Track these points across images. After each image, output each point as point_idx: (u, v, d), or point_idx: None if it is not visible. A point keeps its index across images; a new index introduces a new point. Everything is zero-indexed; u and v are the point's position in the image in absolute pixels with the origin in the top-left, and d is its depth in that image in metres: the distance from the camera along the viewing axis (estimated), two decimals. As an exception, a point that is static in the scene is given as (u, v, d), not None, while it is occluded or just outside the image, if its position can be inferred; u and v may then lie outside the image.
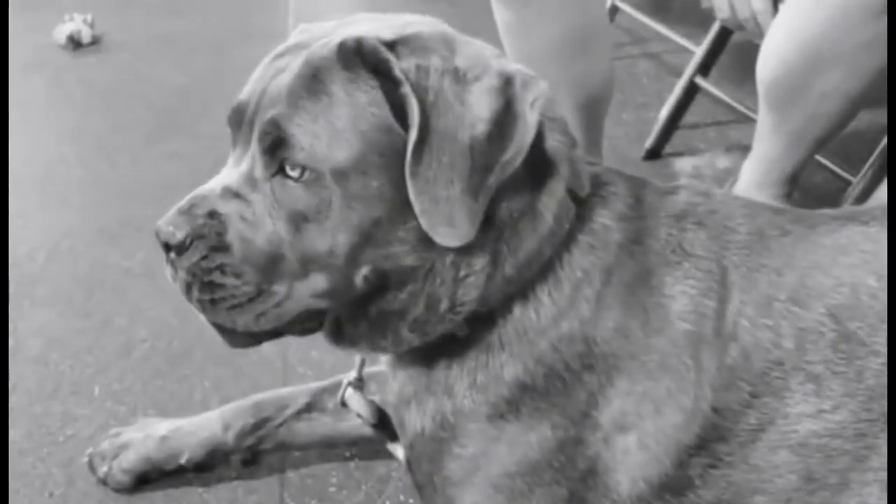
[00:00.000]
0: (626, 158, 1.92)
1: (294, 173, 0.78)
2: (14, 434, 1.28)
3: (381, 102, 0.78)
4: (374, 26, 0.82)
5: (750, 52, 1.45)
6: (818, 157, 1.59)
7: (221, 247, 0.80)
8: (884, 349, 0.84)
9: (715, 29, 1.88)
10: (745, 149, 1.62)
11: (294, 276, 0.81)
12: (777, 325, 0.85)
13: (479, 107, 0.77)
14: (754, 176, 1.50)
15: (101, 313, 1.54)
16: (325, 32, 0.84)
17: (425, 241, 0.79)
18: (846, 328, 0.85)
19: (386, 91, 0.78)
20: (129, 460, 1.19)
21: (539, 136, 0.83)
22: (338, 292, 0.83)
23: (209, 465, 1.21)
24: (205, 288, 0.81)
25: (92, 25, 2.50)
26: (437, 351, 0.88)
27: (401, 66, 0.76)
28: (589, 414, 0.85)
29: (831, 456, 0.85)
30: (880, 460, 0.84)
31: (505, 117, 0.77)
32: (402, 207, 0.78)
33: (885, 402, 0.83)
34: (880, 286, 0.85)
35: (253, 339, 0.87)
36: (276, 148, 0.79)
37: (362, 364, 1.05)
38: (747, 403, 0.85)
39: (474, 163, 0.76)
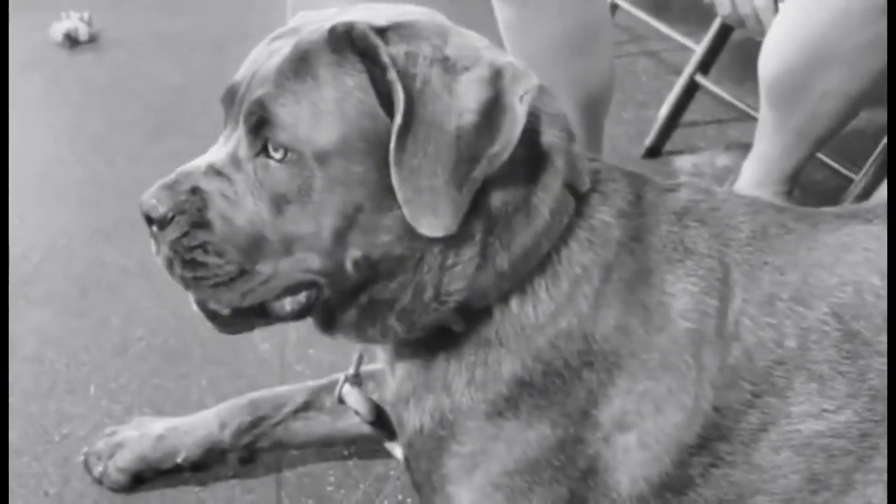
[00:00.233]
0: (626, 157, 1.91)
1: (277, 154, 0.78)
2: (9, 433, 1.27)
3: (368, 88, 0.77)
4: (370, 14, 0.82)
5: (750, 50, 1.44)
6: (819, 155, 1.59)
7: (202, 223, 0.80)
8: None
9: (715, 26, 1.87)
10: (745, 147, 1.62)
11: (279, 255, 0.81)
12: (780, 324, 0.85)
13: (468, 97, 0.76)
14: (755, 174, 1.50)
15: (98, 312, 1.53)
16: (323, 19, 0.84)
17: (412, 231, 0.78)
18: (850, 327, 0.84)
19: (374, 77, 0.77)
20: (125, 459, 1.18)
21: (534, 130, 0.83)
22: (328, 275, 0.82)
23: (206, 465, 1.20)
24: (186, 265, 0.81)
25: (89, 23, 2.48)
26: (435, 347, 0.88)
27: (389, 52, 0.76)
28: (589, 412, 0.85)
29: (834, 456, 0.84)
30: (884, 461, 0.84)
31: (493, 109, 0.76)
32: (386, 195, 0.77)
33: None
34: (884, 285, 0.85)
35: (242, 324, 0.87)
36: (260, 127, 0.79)
37: (360, 360, 1.04)
38: (749, 403, 0.84)
39: (460, 154, 0.75)
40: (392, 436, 1.01)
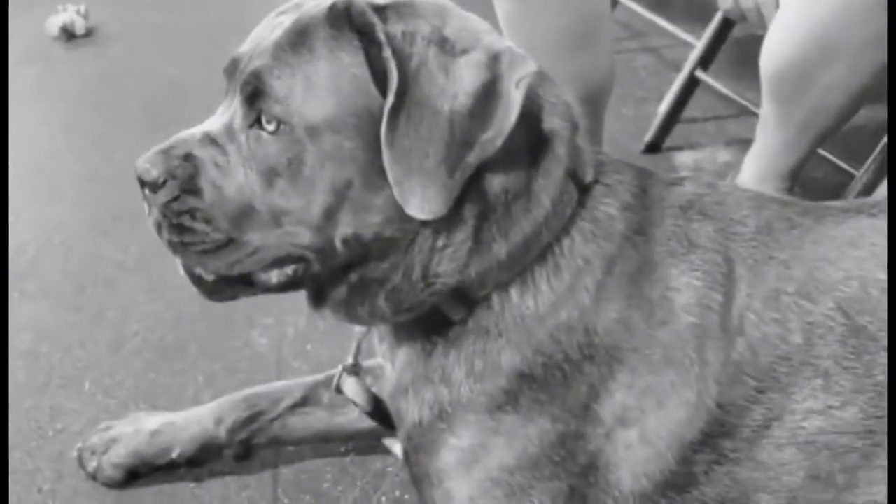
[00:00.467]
0: (626, 152, 1.90)
1: (270, 126, 0.79)
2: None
3: (364, 65, 0.77)
4: None
5: (750, 47, 1.43)
6: (820, 151, 1.58)
7: (193, 190, 0.81)
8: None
9: (716, 22, 1.86)
10: (745, 143, 1.61)
11: (268, 227, 0.81)
12: (785, 319, 0.84)
13: (463, 80, 0.75)
14: (756, 170, 1.49)
15: (93, 307, 1.52)
16: None
17: (403, 212, 0.77)
18: (855, 322, 0.83)
19: (370, 55, 0.77)
20: (119, 455, 1.17)
21: (535, 117, 0.82)
22: (318, 251, 0.82)
23: (201, 460, 1.19)
24: (174, 229, 0.82)
25: (85, 16, 2.47)
26: (434, 337, 0.87)
27: (386, 30, 0.76)
28: (590, 407, 0.84)
29: (839, 453, 0.84)
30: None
31: (488, 94, 0.76)
32: (377, 173, 0.77)
33: (892, 399, 0.82)
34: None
35: (227, 292, 0.87)
36: (254, 99, 0.79)
37: (358, 349, 1.03)
38: (753, 399, 0.83)
39: (453, 137, 0.75)
40: (390, 428, 1.00)
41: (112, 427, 1.21)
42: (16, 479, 1.19)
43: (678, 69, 1.99)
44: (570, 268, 0.84)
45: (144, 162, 0.82)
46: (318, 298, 0.89)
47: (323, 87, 0.77)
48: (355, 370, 1.04)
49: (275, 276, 0.85)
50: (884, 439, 0.83)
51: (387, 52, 0.75)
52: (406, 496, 1.18)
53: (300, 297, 0.92)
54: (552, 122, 0.84)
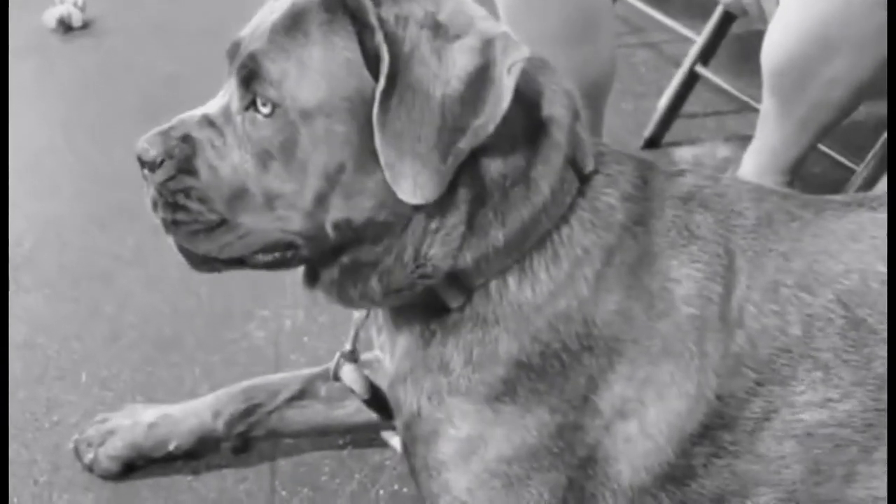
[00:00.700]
0: (626, 148, 1.84)
1: (265, 109, 0.79)
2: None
3: (357, 49, 0.77)
4: None
5: (750, 42, 1.43)
6: (820, 146, 1.58)
7: (189, 170, 0.82)
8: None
9: (716, 17, 1.86)
10: (745, 138, 1.61)
11: (260, 210, 0.82)
12: (784, 312, 0.84)
13: (456, 65, 0.75)
14: (756, 164, 1.48)
15: (90, 299, 1.51)
16: None
17: (396, 197, 0.77)
18: (855, 315, 0.83)
19: (363, 39, 0.77)
20: (116, 447, 1.16)
21: (535, 104, 0.82)
22: (308, 235, 0.82)
23: (198, 453, 1.19)
24: (168, 207, 0.83)
25: (83, 9, 2.46)
26: (433, 325, 0.87)
27: (379, 13, 0.76)
28: (589, 398, 0.84)
29: (839, 446, 0.83)
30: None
31: (480, 80, 0.76)
32: (370, 158, 0.77)
33: (893, 392, 0.81)
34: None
35: (214, 265, 0.88)
36: (250, 81, 0.80)
37: (356, 336, 1.03)
38: (753, 391, 0.83)
39: (444, 122, 0.75)
40: (388, 417, 0.99)
41: (109, 419, 1.20)
42: (12, 470, 1.19)
43: (678, 64, 1.99)
44: (569, 257, 0.83)
45: (144, 142, 0.83)
46: (312, 278, 0.89)
47: (316, 71, 0.77)
48: (353, 357, 1.03)
49: (262, 256, 0.86)
50: (883, 432, 0.83)
51: (379, 36, 0.75)
52: (404, 489, 1.17)
53: (298, 290, 0.92)
54: (552, 109, 0.83)
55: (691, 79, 1.93)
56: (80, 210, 1.74)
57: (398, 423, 0.93)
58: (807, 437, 0.83)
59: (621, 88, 2.11)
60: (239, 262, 0.87)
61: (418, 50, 0.75)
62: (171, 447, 1.17)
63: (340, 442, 1.23)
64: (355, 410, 1.17)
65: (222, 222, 0.83)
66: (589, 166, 0.86)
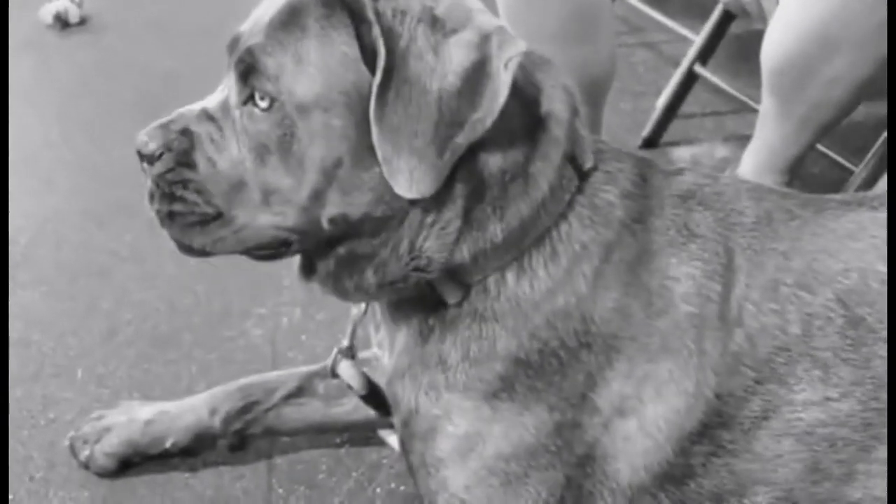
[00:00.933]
0: (623, 147, 1.88)
1: (262, 103, 0.79)
2: (-3, 417, 1.25)
3: (354, 43, 0.77)
4: None
5: (749, 42, 1.43)
6: (819, 147, 1.58)
7: (187, 163, 0.82)
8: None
9: (715, 17, 1.86)
10: (743, 139, 1.61)
11: (256, 205, 0.82)
12: (784, 310, 0.83)
13: (452, 60, 0.75)
14: (755, 164, 1.48)
15: (86, 296, 1.50)
16: None
17: (393, 191, 0.77)
18: (855, 314, 0.83)
19: (360, 33, 0.77)
20: (112, 444, 1.16)
21: (534, 100, 0.82)
22: (303, 231, 0.83)
23: (195, 451, 1.18)
24: (165, 198, 0.83)
25: (80, 5, 2.45)
26: (432, 321, 0.87)
27: (376, 7, 0.76)
28: (587, 396, 0.83)
29: (837, 445, 0.83)
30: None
31: (477, 74, 0.75)
32: (367, 152, 0.77)
33: (893, 391, 0.81)
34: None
35: (207, 252, 0.87)
36: (247, 75, 0.80)
37: (354, 332, 1.03)
38: (751, 390, 0.83)
39: (441, 116, 0.74)
40: (385, 414, 0.99)
41: (105, 416, 1.20)
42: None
43: (676, 64, 1.99)
44: (567, 253, 0.83)
45: (143, 135, 0.83)
46: (308, 270, 0.89)
47: (313, 65, 0.77)
48: (350, 353, 1.03)
49: (255, 251, 0.86)
50: (882, 432, 0.82)
51: (376, 31, 0.75)
52: (402, 487, 1.17)
53: (295, 288, 0.91)
54: (551, 105, 0.83)
55: (690, 78, 1.93)
56: (76, 206, 1.73)
57: (396, 419, 0.93)
58: (805, 436, 0.83)
59: (619, 88, 2.10)
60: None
61: (415, 44, 0.75)
62: (168, 444, 1.16)
63: (338, 440, 1.23)
64: (353, 408, 1.17)
65: (218, 215, 0.83)
66: (588, 163, 0.85)
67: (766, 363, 0.83)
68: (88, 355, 1.38)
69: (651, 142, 1.95)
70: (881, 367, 0.82)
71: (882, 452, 0.83)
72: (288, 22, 0.78)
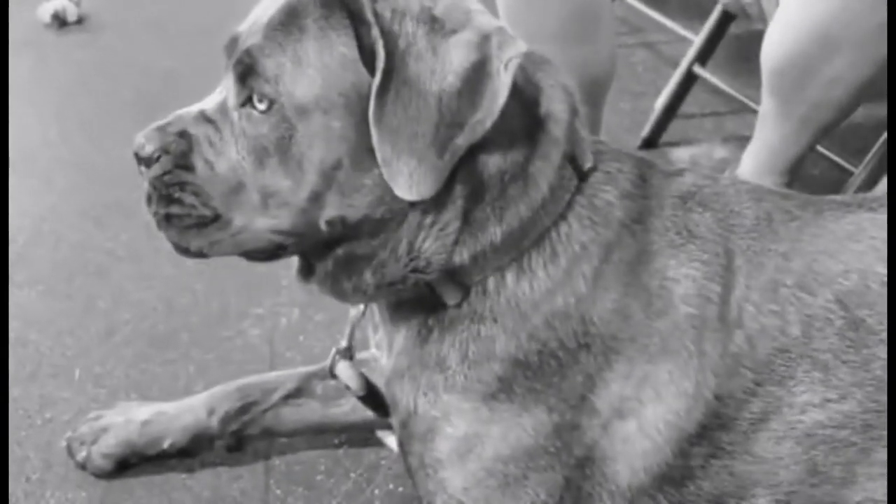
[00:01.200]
0: (623, 148, 1.88)
1: (261, 105, 0.79)
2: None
3: (353, 44, 0.77)
4: None
5: (748, 43, 1.43)
6: (818, 148, 1.57)
7: (185, 165, 0.82)
8: (894, 337, 0.81)
9: (714, 17, 1.86)
10: (742, 139, 1.61)
11: (254, 208, 0.82)
12: (783, 312, 0.83)
13: (452, 60, 0.75)
14: (755, 164, 1.48)
15: (84, 295, 1.50)
16: None
17: (392, 193, 0.77)
18: (855, 315, 0.83)
19: (359, 34, 0.76)
20: (109, 445, 1.16)
21: (533, 100, 0.82)
22: (299, 233, 0.82)
23: (192, 451, 1.18)
24: (162, 200, 0.82)
25: (77, 3, 2.45)
26: (431, 322, 0.86)
27: (375, 8, 0.75)
28: (586, 397, 0.83)
29: (837, 447, 0.83)
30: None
31: (477, 75, 0.75)
32: (366, 154, 0.77)
33: (893, 393, 0.81)
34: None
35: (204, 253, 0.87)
36: (246, 77, 0.79)
37: (352, 333, 1.02)
38: (751, 391, 0.83)
39: (441, 118, 0.74)
40: (384, 414, 0.99)
41: (102, 416, 1.20)
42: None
43: (675, 65, 1.98)
44: (566, 254, 0.83)
45: (140, 137, 0.83)
46: (306, 271, 0.89)
47: (312, 66, 0.77)
48: (349, 354, 1.03)
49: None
50: (882, 434, 0.82)
51: (375, 32, 0.74)
52: (400, 488, 1.17)
53: (293, 288, 0.91)
54: (551, 105, 0.83)
55: (689, 79, 1.92)
56: (74, 206, 1.73)
57: (394, 420, 0.93)
58: (805, 438, 0.83)
59: (619, 88, 2.09)
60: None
61: (414, 45, 0.75)
62: (165, 445, 1.16)
63: (336, 441, 1.23)
64: (351, 409, 1.16)
65: (216, 218, 0.82)
66: (588, 163, 0.85)
67: (765, 365, 0.82)
68: (86, 355, 1.37)
69: (650, 142, 1.95)
70: (881, 368, 0.82)
71: (882, 454, 0.82)
72: (286, 23, 0.78)
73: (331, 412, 1.18)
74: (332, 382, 1.11)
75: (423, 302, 0.86)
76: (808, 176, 1.71)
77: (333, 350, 1.04)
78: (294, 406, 1.17)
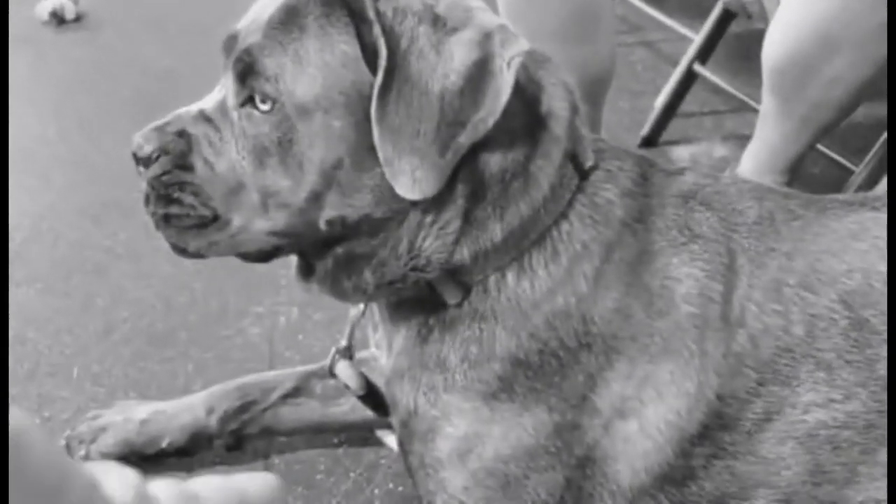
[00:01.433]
0: (623, 146, 1.88)
1: (261, 105, 0.78)
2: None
3: (354, 43, 0.76)
4: None
5: (748, 41, 1.42)
6: (819, 147, 1.57)
7: (184, 165, 0.81)
8: (897, 337, 0.81)
9: (715, 15, 1.85)
10: (742, 138, 1.60)
11: (254, 208, 0.81)
12: (787, 311, 0.83)
13: (454, 59, 0.74)
14: (755, 164, 1.48)
15: (82, 294, 1.49)
16: None
17: (393, 192, 0.76)
18: (858, 315, 0.82)
19: (360, 32, 0.76)
20: (108, 444, 1.15)
21: (534, 98, 0.81)
22: (298, 234, 0.82)
23: (191, 450, 1.17)
24: (161, 200, 0.82)
25: (76, 1, 2.44)
26: (431, 321, 0.86)
27: (377, 7, 0.75)
28: (587, 397, 0.83)
29: (840, 448, 0.82)
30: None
31: (479, 73, 0.75)
32: (368, 153, 0.76)
33: (894, 393, 0.81)
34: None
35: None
36: (246, 76, 0.78)
37: (352, 332, 1.02)
38: (754, 391, 0.82)
39: (443, 116, 0.74)
40: (383, 414, 0.99)
41: (101, 415, 1.19)
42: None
43: (675, 63, 1.98)
44: (567, 253, 0.82)
45: (139, 137, 0.82)
46: (306, 270, 0.89)
47: (313, 65, 0.76)
48: (348, 353, 1.02)
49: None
50: (884, 434, 0.82)
51: (376, 30, 0.74)
52: (399, 488, 1.16)
53: (292, 287, 0.90)
54: (552, 103, 0.83)
55: (689, 78, 1.92)
56: (72, 204, 1.72)
57: (394, 420, 0.92)
58: (808, 439, 0.83)
59: (618, 86, 2.09)
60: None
61: (416, 44, 0.74)
62: (164, 444, 1.15)
63: (335, 440, 1.22)
64: (350, 408, 1.16)
65: (215, 218, 0.82)
66: (589, 161, 0.85)
67: (768, 364, 0.82)
68: (84, 353, 1.36)
69: (650, 141, 1.95)
70: (884, 368, 0.81)
71: (884, 455, 0.82)
72: (287, 21, 0.77)
73: (330, 411, 1.17)
74: (332, 382, 1.10)
75: (423, 301, 0.85)
76: (809, 175, 1.71)
77: (333, 349, 1.04)
78: (293, 405, 1.17)
